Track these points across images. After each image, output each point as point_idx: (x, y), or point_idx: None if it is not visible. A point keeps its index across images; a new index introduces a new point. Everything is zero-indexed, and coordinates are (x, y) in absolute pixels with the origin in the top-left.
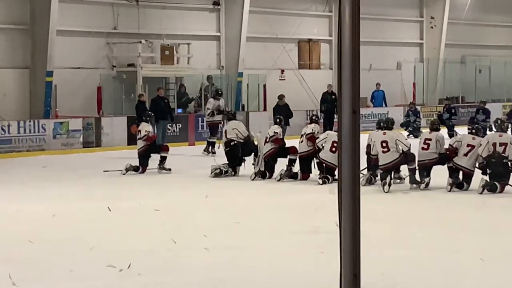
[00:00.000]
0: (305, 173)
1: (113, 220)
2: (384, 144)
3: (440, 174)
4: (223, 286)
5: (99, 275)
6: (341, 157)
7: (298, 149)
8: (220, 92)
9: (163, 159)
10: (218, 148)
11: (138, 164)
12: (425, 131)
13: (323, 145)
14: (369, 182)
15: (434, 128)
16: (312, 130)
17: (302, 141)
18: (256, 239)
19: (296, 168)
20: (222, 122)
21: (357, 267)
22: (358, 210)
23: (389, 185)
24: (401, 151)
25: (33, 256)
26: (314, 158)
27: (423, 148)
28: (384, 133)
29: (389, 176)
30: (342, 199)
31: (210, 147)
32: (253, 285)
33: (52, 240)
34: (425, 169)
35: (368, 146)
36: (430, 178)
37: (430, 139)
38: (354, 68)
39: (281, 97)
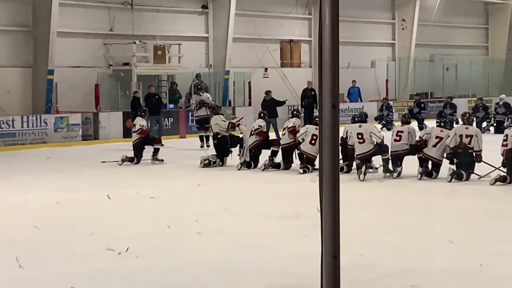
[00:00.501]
0: (288, 163)
1: (112, 207)
2: (359, 136)
3: (411, 163)
4: (215, 267)
5: (100, 258)
6: (322, 148)
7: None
8: (199, 87)
9: (156, 151)
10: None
11: (133, 156)
12: (397, 124)
13: (304, 138)
14: (341, 170)
15: (405, 121)
16: (293, 123)
17: (284, 134)
18: (244, 224)
19: (279, 158)
20: (209, 115)
21: (337, 249)
22: (337, 197)
23: (365, 174)
24: (375, 143)
25: (38, 241)
26: (296, 150)
27: (395, 140)
28: (360, 126)
29: (364, 165)
30: (323, 187)
31: (204, 141)
32: (241, 266)
33: (55, 226)
34: (398, 159)
35: (342, 138)
36: (402, 168)
37: (402, 132)
38: (333, 66)
39: (267, 92)
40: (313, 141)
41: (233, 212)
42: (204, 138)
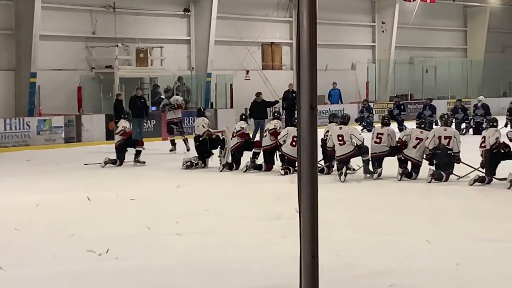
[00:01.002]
0: (269, 165)
1: (92, 209)
2: (340, 138)
3: (391, 164)
4: (195, 268)
5: (80, 259)
6: (300, 149)
7: (262, 143)
8: (166, 88)
9: (138, 153)
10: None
11: (115, 158)
12: (377, 125)
13: (285, 139)
14: (321, 172)
15: (385, 123)
16: (275, 126)
17: (265, 136)
18: (224, 225)
19: (261, 160)
20: (178, 118)
21: (315, 249)
22: (316, 198)
23: (345, 175)
24: (355, 144)
25: (19, 243)
26: (277, 151)
27: (375, 142)
28: (340, 128)
29: (345, 167)
30: (302, 188)
31: (176, 144)
32: (221, 266)
33: (36, 227)
34: (377, 160)
35: (322, 139)
36: (382, 169)
37: (381, 133)
38: (311, 68)
39: (258, 94)
40: (294, 143)
41: (213, 213)
42: (171, 143)
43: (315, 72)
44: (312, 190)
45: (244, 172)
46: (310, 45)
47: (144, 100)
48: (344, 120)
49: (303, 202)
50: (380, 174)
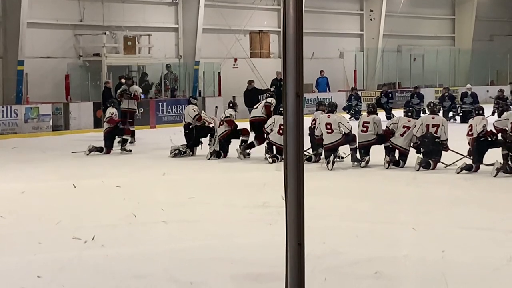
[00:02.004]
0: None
1: (78, 197)
2: (328, 126)
3: (379, 152)
4: (180, 255)
5: (66, 247)
6: (286, 136)
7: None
8: (127, 76)
9: (124, 141)
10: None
11: (102, 146)
12: (364, 114)
13: (272, 128)
14: (309, 160)
15: (371, 111)
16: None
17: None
18: (210, 213)
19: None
20: (133, 109)
21: (301, 236)
22: (302, 185)
23: (333, 163)
24: (343, 133)
25: (4, 230)
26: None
27: (362, 131)
28: (329, 116)
29: (332, 155)
30: (288, 175)
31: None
32: (207, 254)
33: (21, 215)
34: (364, 148)
35: (310, 127)
36: (369, 157)
37: (368, 122)
38: (297, 56)
39: (250, 82)
40: (281, 131)
41: (199, 201)
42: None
43: (301, 60)
44: (298, 177)
45: (239, 157)
46: (296, 33)
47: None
48: (331, 108)
49: (289, 189)
50: (367, 162)
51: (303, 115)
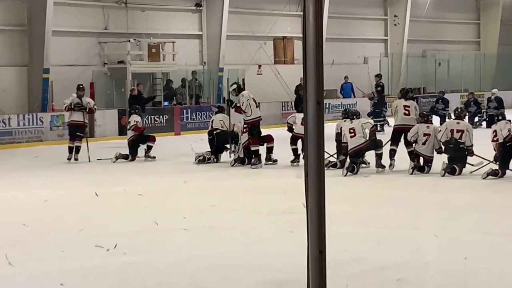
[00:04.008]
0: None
1: (100, 205)
2: (351, 130)
3: (403, 159)
4: (202, 263)
5: (88, 255)
6: (307, 144)
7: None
8: (81, 86)
9: (149, 148)
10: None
11: (127, 153)
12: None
13: (294, 121)
14: (334, 166)
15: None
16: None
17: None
18: (231, 220)
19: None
20: (85, 123)
21: (323, 244)
22: (323, 192)
23: (352, 170)
24: (367, 137)
25: (27, 238)
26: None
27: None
28: (351, 122)
29: (354, 163)
30: (309, 182)
31: (73, 152)
32: (228, 261)
33: (44, 223)
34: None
35: (338, 134)
36: (395, 161)
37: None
38: (317, 63)
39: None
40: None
41: (220, 208)
42: (70, 150)
43: (322, 68)
44: (319, 184)
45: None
46: (316, 40)
47: (143, 95)
48: (353, 116)
49: (310, 196)
50: (393, 166)
51: (323, 122)
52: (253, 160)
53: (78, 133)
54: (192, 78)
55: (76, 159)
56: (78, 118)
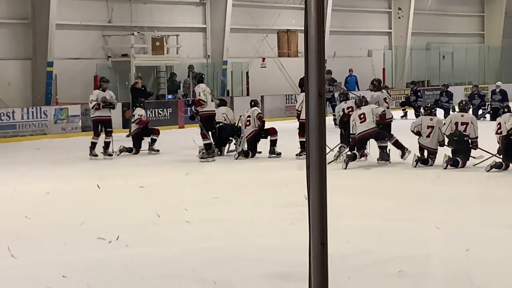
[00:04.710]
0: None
1: (102, 197)
2: (361, 116)
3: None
4: (204, 255)
5: (90, 247)
6: (308, 136)
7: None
8: (105, 79)
9: (153, 142)
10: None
11: (131, 146)
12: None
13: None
14: (353, 158)
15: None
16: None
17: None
18: (233, 213)
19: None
20: (110, 117)
21: (324, 236)
22: (324, 185)
23: (346, 163)
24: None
25: (29, 231)
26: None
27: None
28: (360, 109)
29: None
30: (310, 175)
31: (94, 149)
32: (230, 254)
33: (46, 216)
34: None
35: (341, 119)
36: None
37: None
38: (319, 56)
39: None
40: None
41: (222, 201)
42: (93, 146)
43: (323, 60)
44: (321, 176)
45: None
46: (318, 32)
47: (145, 88)
48: (361, 103)
49: (312, 189)
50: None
51: (325, 114)
52: (202, 153)
53: (108, 128)
54: (188, 72)
55: (110, 155)
56: (105, 113)
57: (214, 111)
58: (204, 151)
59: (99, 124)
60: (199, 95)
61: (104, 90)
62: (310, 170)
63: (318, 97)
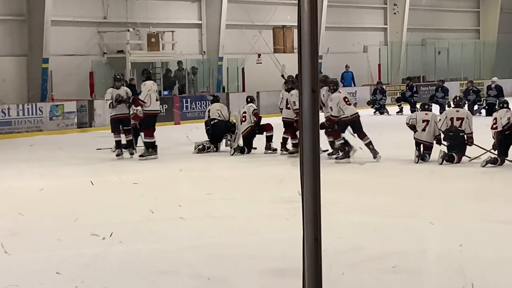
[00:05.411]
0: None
1: (96, 194)
2: (346, 99)
3: (401, 147)
4: (197, 251)
5: (84, 244)
6: (302, 132)
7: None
8: (118, 77)
9: None
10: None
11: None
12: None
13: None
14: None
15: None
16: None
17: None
18: (227, 209)
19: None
20: (128, 114)
21: (318, 231)
22: (318, 180)
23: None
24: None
25: (23, 227)
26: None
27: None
28: (340, 92)
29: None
30: (304, 171)
31: (119, 148)
32: (224, 250)
33: (40, 212)
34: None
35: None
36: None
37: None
38: (312, 52)
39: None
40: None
41: (216, 197)
42: (118, 145)
43: (317, 56)
44: (314, 172)
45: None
46: (311, 28)
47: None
48: (336, 86)
49: (305, 184)
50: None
51: (318, 110)
52: (143, 151)
53: (125, 127)
54: (178, 68)
55: (131, 154)
56: (122, 111)
57: (157, 110)
58: (148, 150)
59: (118, 122)
60: (142, 94)
61: (118, 88)
62: (303, 165)
63: (312, 92)
